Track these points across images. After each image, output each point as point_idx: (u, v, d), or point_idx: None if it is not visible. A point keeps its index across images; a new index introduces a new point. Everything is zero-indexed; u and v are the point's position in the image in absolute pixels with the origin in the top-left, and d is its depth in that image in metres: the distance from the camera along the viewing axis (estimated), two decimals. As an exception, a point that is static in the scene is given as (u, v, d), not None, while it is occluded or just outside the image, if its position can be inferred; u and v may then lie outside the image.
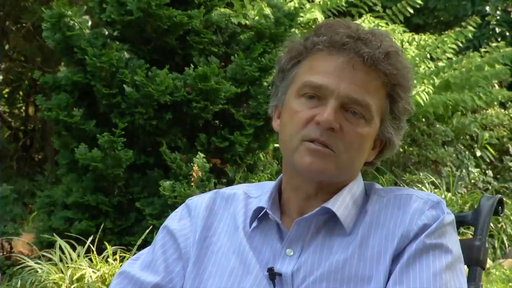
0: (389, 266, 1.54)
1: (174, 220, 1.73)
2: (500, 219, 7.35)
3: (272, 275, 1.57)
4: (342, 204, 1.60)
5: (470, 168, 9.40)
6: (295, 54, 1.62)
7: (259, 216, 1.65)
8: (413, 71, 1.63)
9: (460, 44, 9.59)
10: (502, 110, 10.42)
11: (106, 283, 4.82)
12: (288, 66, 1.63)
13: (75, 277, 4.82)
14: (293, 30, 6.23)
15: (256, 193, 1.71)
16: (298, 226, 1.59)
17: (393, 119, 1.62)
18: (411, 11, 10.05)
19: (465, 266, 1.72)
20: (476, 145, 9.96)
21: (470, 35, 9.83)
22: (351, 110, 1.56)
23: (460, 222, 1.84)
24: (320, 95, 1.56)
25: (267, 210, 1.63)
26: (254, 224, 1.65)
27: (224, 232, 1.67)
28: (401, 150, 9.52)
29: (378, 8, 10.37)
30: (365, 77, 1.56)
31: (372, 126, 1.58)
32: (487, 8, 12.25)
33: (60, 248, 5.09)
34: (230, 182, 5.81)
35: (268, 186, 1.70)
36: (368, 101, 1.56)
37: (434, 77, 8.95)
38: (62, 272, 4.92)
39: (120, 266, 4.48)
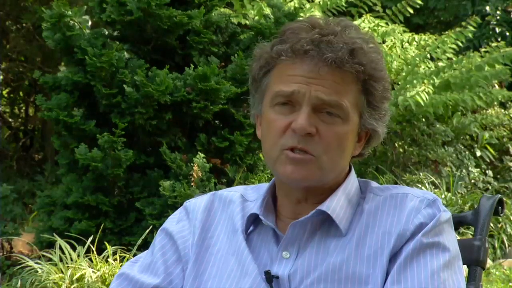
0: (386, 266, 1.55)
1: (173, 223, 1.74)
2: (500, 219, 7.34)
3: (269, 278, 1.57)
4: (337, 205, 1.60)
5: (470, 168, 9.39)
6: (263, 63, 1.64)
7: (255, 220, 1.66)
8: (383, 59, 1.63)
9: (460, 44, 9.58)
10: (502, 110, 10.40)
11: (106, 283, 4.82)
12: (259, 75, 1.65)
13: (75, 277, 4.82)
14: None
15: (253, 196, 1.71)
16: (293, 229, 1.60)
17: (372, 110, 1.62)
18: (411, 11, 10.04)
19: (465, 266, 1.72)
20: (476, 145, 9.96)
21: (470, 35, 9.82)
22: (325, 111, 1.57)
23: (460, 222, 1.85)
24: (293, 101, 1.58)
25: (260, 217, 1.64)
26: (251, 228, 1.67)
27: (223, 233, 1.68)
28: (401, 150, 9.52)
29: (378, 8, 10.36)
30: (332, 79, 1.56)
31: (349, 124, 1.59)
32: (487, 8, 12.24)
33: (60, 248, 5.09)
34: (230, 182, 5.81)
35: (265, 188, 1.70)
36: (339, 101, 1.57)
37: (434, 77, 8.94)
38: (62, 272, 4.92)
39: (120, 266, 4.48)
